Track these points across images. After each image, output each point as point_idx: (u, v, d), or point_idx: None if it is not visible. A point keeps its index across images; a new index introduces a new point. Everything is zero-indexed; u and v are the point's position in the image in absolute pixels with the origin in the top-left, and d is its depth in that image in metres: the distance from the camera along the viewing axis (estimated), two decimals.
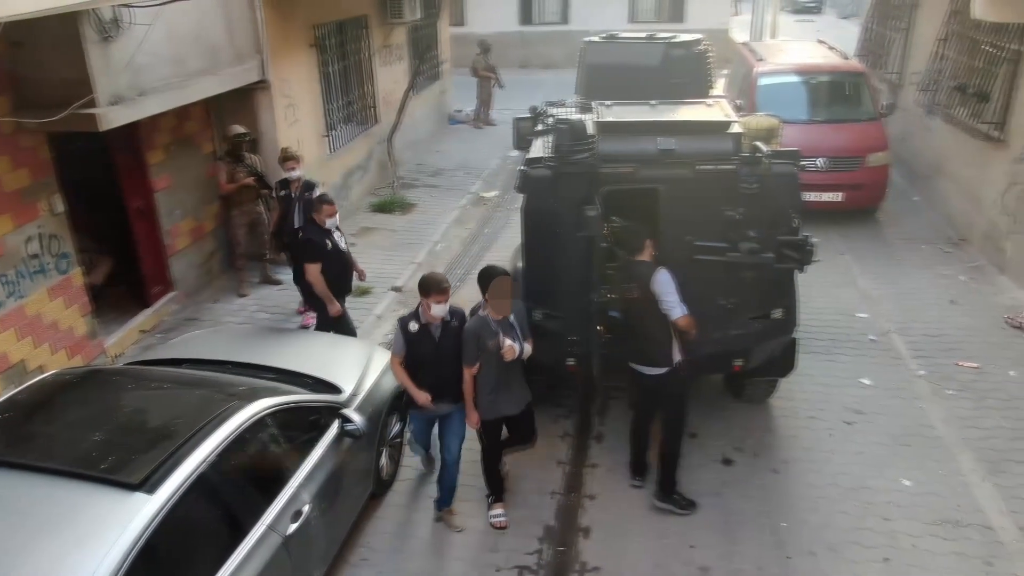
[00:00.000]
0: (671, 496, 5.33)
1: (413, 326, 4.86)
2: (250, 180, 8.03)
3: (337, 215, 6.53)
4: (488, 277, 4.77)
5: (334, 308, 6.49)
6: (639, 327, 5.12)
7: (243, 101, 8.31)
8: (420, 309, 4.86)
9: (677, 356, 5.09)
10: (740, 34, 22.99)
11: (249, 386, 4.40)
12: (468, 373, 4.88)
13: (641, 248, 5.04)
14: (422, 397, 4.91)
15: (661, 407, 5.32)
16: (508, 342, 4.73)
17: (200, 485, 3.53)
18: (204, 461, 3.59)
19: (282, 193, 7.48)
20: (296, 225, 7.32)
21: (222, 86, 7.46)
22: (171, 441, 3.62)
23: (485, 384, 4.91)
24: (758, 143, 5.05)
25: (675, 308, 4.90)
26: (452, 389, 4.96)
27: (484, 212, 11.28)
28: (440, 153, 14.23)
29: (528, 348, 4.96)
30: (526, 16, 23.30)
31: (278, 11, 8.34)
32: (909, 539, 5.04)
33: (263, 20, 8.00)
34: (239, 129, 7.98)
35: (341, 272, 6.60)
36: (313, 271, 6.32)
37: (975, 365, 6.97)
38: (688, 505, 5.33)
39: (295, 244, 7.42)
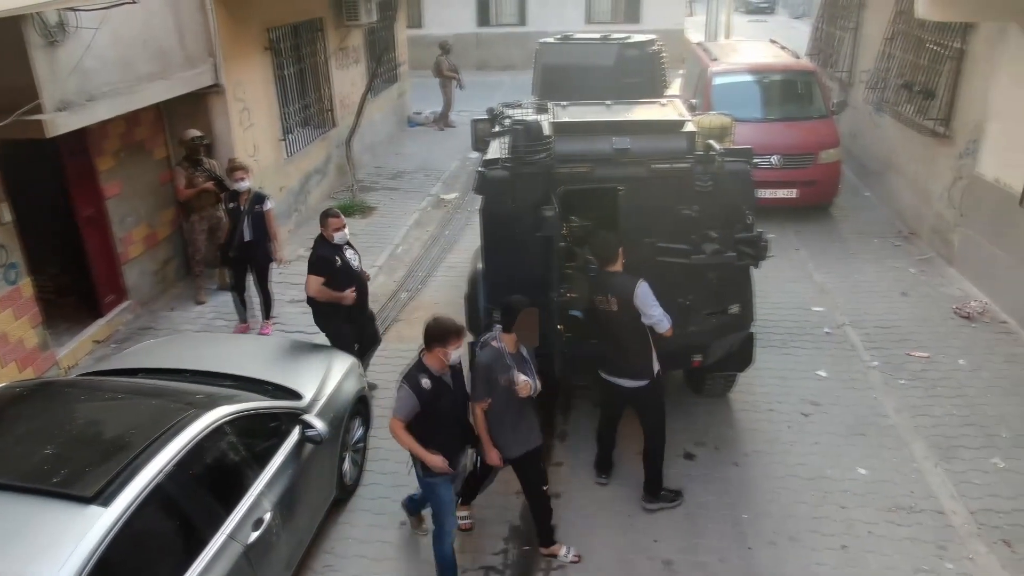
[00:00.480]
0: (659, 495, 5.35)
1: (426, 382, 4.29)
2: (209, 185, 7.88)
3: (346, 229, 6.08)
4: (515, 310, 4.42)
5: (350, 295, 6.02)
6: (618, 340, 5.06)
7: (196, 105, 8.19)
8: (424, 360, 4.37)
9: (656, 366, 5.08)
10: (695, 34, 23.30)
11: (206, 394, 4.33)
12: (480, 408, 4.54)
13: (615, 258, 4.97)
14: (440, 462, 4.38)
15: (641, 415, 5.28)
16: (523, 378, 4.44)
17: (157, 496, 3.47)
18: (161, 472, 3.53)
19: (231, 206, 7.27)
20: (246, 239, 7.16)
21: (173, 90, 7.34)
22: (126, 452, 3.56)
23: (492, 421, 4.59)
24: (711, 142, 5.14)
25: (663, 320, 4.87)
26: (472, 436, 4.67)
27: (444, 214, 11.27)
28: (400, 155, 14.18)
29: (539, 385, 4.61)
30: (483, 18, 23.31)
31: (231, 14, 8.23)
32: (865, 526, 5.17)
33: (215, 23, 7.88)
34: (195, 133, 7.84)
35: (348, 285, 6.08)
36: (313, 284, 5.94)
37: (925, 355, 7.16)
38: (676, 496, 5.38)
39: (243, 259, 7.37)
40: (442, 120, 16.24)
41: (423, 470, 4.50)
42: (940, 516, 5.25)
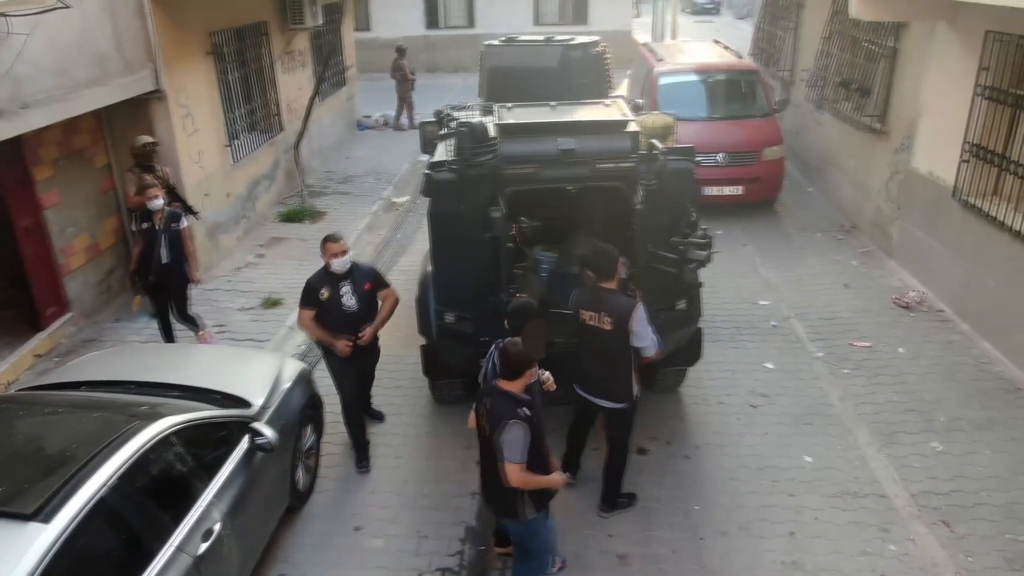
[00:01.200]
0: (615, 504, 5.34)
1: (524, 411, 3.92)
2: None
3: (346, 256, 5.34)
4: (525, 313, 4.43)
5: (340, 346, 5.38)
6: (604, 360, 4.88)
7: (138, 112, 8.02)
8: (510, 389, 3.97)
9: (636, 389, 4.97)
10: (642, 35, 23.62)
11: (151, 405, 4.25)
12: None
13: (613, 273, 4.78)
14: (561, 477, 4.25)
15: (609, 430, 5.17)
16: (547, 374, 4.41)
17: (101, 511, 3.40)
18: (104, 485, 3.46)
19: (144, 226, 6.73)
20: (164, 261, 6.73)
21: (112, 97, 7.17)
22: (67, 467, 3.47)
23: None
24: (654, 141, 5.23)
25: (653, 347, 4.74)
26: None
27: (396, 217, 11.23)
28: (350, 159, 14.08)
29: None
30: (432, 20, 23.27)
31: (171, 19, 8.08)
32: (812, 512, 5.31)
33: (155, 28, 7.73)
34: (146, 139, 7.54)
35: (340, 328, 5.44)
36: (302, 318, 5.41)
37: (867, 344, 7.39)
38: (631, 499, 5.39)
39: (163, 283, 6.89)
40: (411, 121, 16.05)
41: (535, 507, 4.10)
42: (883, 500, 5.42)
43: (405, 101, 16.24)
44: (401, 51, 16.25)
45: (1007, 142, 6.96)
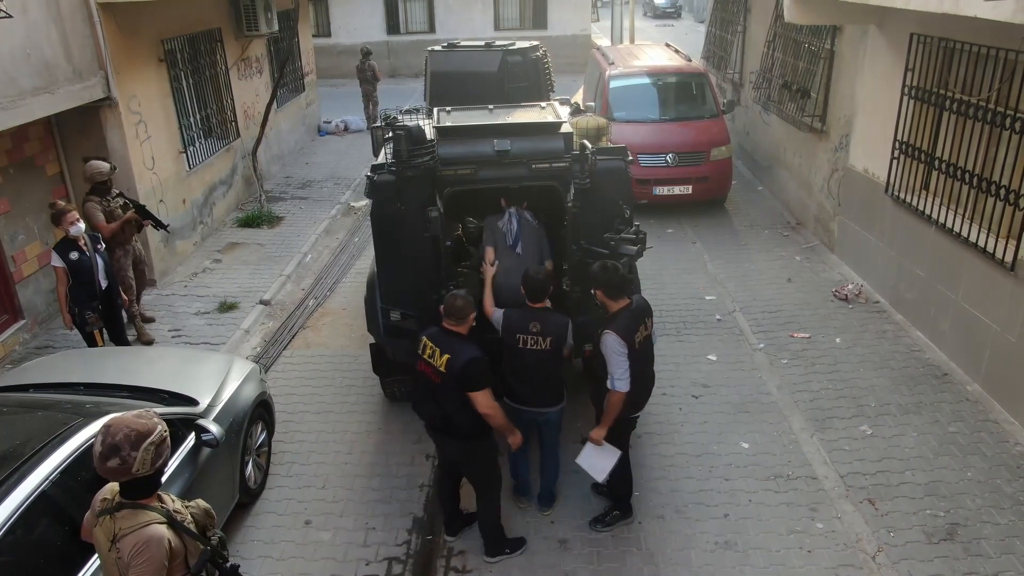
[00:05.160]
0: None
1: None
2: (132, 214, 7.30)
3: None
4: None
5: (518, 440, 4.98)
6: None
7: (89, 120, 8.06)
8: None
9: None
10: (603, 39, 23.97)
11: (96, 404, 4.35)
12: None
13: (624, 292, 4.75)
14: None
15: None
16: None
17: (39, 508, 3.49)
18: (46, 480, 3.57)
19: (72, 256, 6.31)
20: (104, 286, 6.48)
21: (60, 105, 7.21)
22: (9, 463, 3.57)
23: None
24: (584, 141, 5.43)
25: (618, 381, 4.65)
26: None
27: (354, 221, 11.35)
28: (310, 165, 14.16)
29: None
30: (393, 26, 23.40)
31: (121, 26, 8.14)
32: (746, 495, 5.55)
33: (104, 36, 7.78)
34: (103, 166, 7.15)
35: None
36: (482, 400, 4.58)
37: (807, 335, 7.67)
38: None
39: (108, 311, 6.60)
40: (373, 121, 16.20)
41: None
42: (813, 481, 5.67)
43: (371, 99, 16.36)
44: (365, 52, 16.39)
45: (932, 140, 7.28)
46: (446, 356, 4.43)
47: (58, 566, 3.56)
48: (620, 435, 5.03)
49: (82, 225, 6.41)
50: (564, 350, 5.01)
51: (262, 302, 8.61)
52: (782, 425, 6.33)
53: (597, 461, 5.00)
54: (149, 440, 2.99)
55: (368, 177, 5.45)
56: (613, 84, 11.26)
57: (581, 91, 14.95)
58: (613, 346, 4.61)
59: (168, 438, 3.11)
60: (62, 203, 6.48)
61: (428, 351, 4.54)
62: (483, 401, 4.48)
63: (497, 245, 5.57)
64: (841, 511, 5.37)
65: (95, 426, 3.98)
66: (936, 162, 7.15)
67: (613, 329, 4.64)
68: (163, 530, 3.04)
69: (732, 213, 11.25)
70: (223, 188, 11.08)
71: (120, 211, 7.29)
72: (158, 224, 7.77)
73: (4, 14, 5.75)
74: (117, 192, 7.47)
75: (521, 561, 5.03)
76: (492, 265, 5.40)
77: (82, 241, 6.40)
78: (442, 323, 4.57)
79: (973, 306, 6.62)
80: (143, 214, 7.51)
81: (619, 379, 4.65)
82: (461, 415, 4.54)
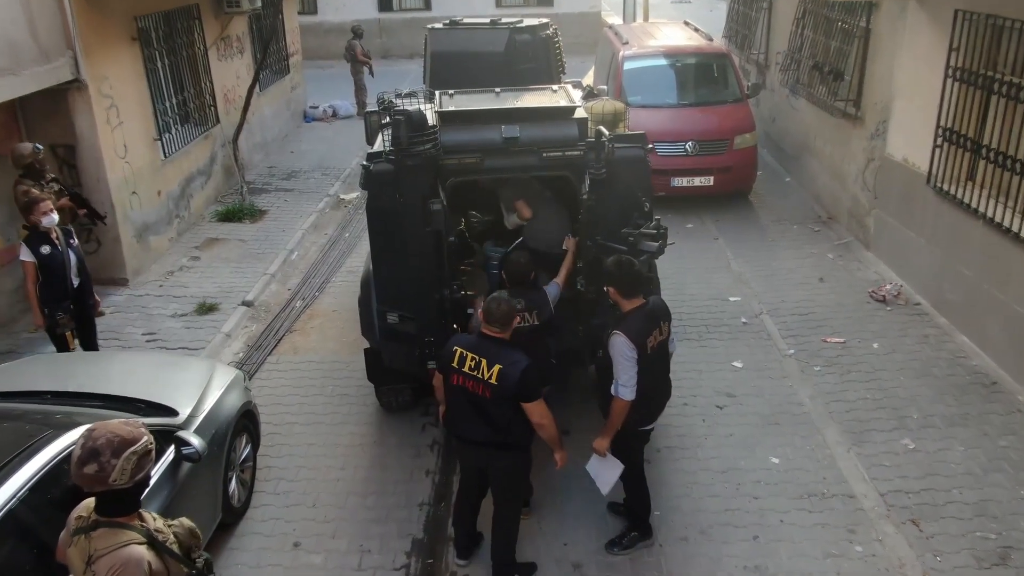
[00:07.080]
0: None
1: None
2: (65, 201, 7.19)
3: None
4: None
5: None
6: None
7: (56, 103, 8.06)
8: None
9: None
10: (614, 17, 23.97)
11: (66, 415, 4.34)
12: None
13: (639, 291, 4.72)
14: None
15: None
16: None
17: (8, 524, 3.49)
18: (13, 498, 3.55)
19: (44, 250, 6.20)
20: (76, 284, 6.46)
21: (25, 87, 7.20)
22: None
23: None
24: (601, 128, 5.40)
25: (623, 388, 4.59)
26: None
27: (344, 215, 11.34)
28: (295, 154, 14.16)
29: None
30: (385, 2, 23.38)
31: (91, 3, 8.12)
32: (777, 515, 5.52)
33: (73, 13, 7.77)
34: (27, 147, 6.95)
35: None
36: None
37: (841, 340, 7.65)
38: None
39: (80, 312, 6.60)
40: (361, 107, 16.21)
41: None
42: (851, 500, 5.65)
43: (360, 86, 16.39)
44: (357, 32, 16.42)
45: (979, 126, 7.26)
46: (497, 367, 4.33)
47: None
48: (629, 449, 5.00)
49: (55, 216, 6.32)
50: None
51: (244, 303, 8.59)
52: (816, 438, 6.30)
53: (601, 472, 5.01)
54: (132, 449, 2.97)
55: (364, 166, 5.43)
56: (627, 66, 11.25)
57: (591, 73, 14.95)
58: (621, 349, 4.56)
59: (153, 451, 3.10)
60: (35, 191, 6.41)
61: (469, 363, 4.41)
62: (539, 411, 4.47)
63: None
64: (882, 533, 5.35)
65: (67, 438, 3.97)
66: (983, 150, 7.13)
67: (623, 330, 4.60)
68: (142, 551, 3.01)
69: (757, 206, 11.23)
70: (201, 179, 11.07)
71: (55, 197, 7.10)
72: (94, 214, 7.70)
73: None
74: (52, 176, 7.39)
75: None
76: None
77: (54, 234, 6.30)
78: (480, 330, 4.53)
79: None
80: (79, 202, 7.50)
81: (624, 385, 4.58)
82: (520, 428, 4.51)
